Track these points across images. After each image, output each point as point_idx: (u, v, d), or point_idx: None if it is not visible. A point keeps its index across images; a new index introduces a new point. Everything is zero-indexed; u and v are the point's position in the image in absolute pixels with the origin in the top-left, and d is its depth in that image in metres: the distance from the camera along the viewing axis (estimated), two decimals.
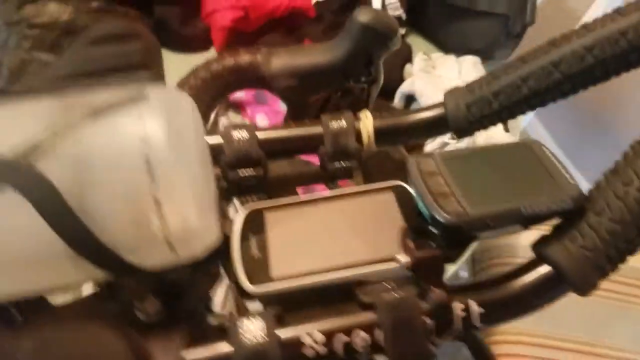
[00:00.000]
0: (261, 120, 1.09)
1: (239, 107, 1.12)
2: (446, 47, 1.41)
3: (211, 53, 1.25)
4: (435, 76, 1.21)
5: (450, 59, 1.27)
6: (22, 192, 0.26)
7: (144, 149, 0.27)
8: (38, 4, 1.00)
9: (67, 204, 0.26)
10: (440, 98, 1.11)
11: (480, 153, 0.37)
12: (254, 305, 0.44)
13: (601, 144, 1.78)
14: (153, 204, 0.28)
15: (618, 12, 0.39)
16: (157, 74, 0.41)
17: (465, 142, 1.01)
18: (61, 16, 1.01)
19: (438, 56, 1.28)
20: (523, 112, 0.45)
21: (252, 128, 0.47)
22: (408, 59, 1.26)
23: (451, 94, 0.47)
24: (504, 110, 0.44)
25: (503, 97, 0.44)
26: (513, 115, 0.45)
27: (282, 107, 1.10)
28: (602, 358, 1.01)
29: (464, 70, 1.23)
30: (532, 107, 0.44)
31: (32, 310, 0.33)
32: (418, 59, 1.24)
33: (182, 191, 0.28)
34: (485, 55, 1.35)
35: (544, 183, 0.34)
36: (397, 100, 1.21)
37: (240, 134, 0.46)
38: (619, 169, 0.33)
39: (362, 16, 0.54)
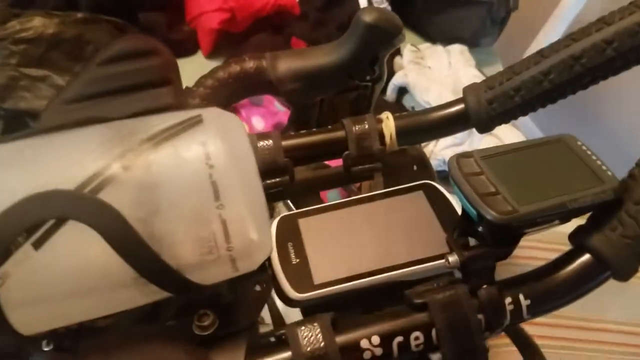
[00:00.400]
0: (257, 122, 1.08)
1: (233, 110, 1.12)
2: (432, 37, 1.42)
3: (199, 56, 1.24)
4: (426, 67, 1.22)
5: (439, 49, 1.28)
6: (89, 224, 0.26)
7: (209, 172, 0.27)
8: (22, 18, 0.98)
9: (136, 231, 0.26)
10: (432, 89, 1.13)
11: (517, 150, 0.37)
12: (290, 313, 0.44)
13: (585, 130, 1.81)
14: (220, 223, 0.28)
15: (635, 4, 0.40)
16: (177, 89, 0.41)
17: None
18: (47, 30, 1.00)
19: (426, 47, 1.30)
20: (543, 105, 0.46)
21: (277, 136, 0.47)
22: (397, 51, 1.27)
23: (471, 90, 0.48)
24: (525, 104, 0.45)
25: (524, 91, 0.45)
26: (534, 108, 0.46)
27: (278, 107, 1.10)
28: (598, 332, 1.04)
29: (453, 59, 1.24)
30: (553, 101, 0.45)
31: (75, 334, 0.33)
32: (407, 50, 1.25)
33: (245, 208, 0.29)
34: (471, 42, 1.37)
35: (584, 176, 0.35)
36: (390, 93, 1.22)
37: (265, 143, 0.47)
38: None
39: (367, 16, 0.55)
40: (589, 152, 0.37)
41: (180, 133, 0.29)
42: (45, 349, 0.32)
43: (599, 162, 0.36)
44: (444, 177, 0.44)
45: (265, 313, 0.51)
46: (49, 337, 0.32)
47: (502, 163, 0.36)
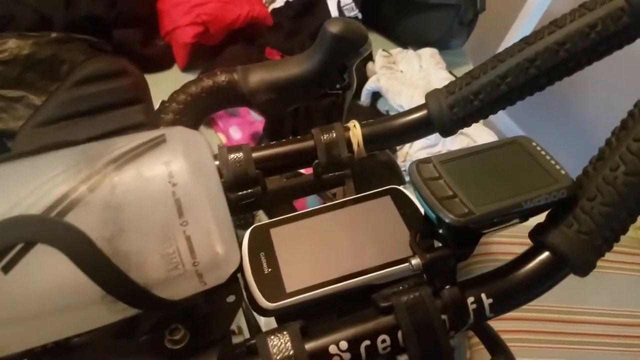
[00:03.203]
0: (235, 132, 1.09)
1: (209, 121, 1.13)
2: (403, 41, 1.45)
3: (175, 70, 1.25)
4: (397, 71, 1.24)
5: (410, 53, 1.30)
6: (56, 246, 0.27)
7: (172, 190, 0.29)
8: None
9: (101, 251, 0.27)
10: (404, 92, 1.15)
11: (475, 154, 0.38)
12: (268, 321, 0.45)
13: (558, 120, 1.85)
14: (184, 239, 0.29)
15: (585, 7, 0.42)
16: (147, 107, 0.42)
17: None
18: (21, 51, 1.01)
19: (397, 51, 1.32)
20: (503, 107, 0.47)
21: (247, 149, 0.48)
22: (369, 57, 1.29)
23: (432, 96, 0.49)
24: (485, 107, 0.47)
25: (483, 95, 0.46)
26: (494, 111, 0.47)
27: (254, 116, 1.11)
28: (580, 324, 1.05)
29: (424, 62, 1.26)
30: (511, 102, 0.46)
31: (52, 352, 0.33)
32: (379, 56, 1.27)
33: (209, 223, 0.30)
34: (441, 45, 1.40)
35: (538, 176, 0.36)
36: (364, 98, 1.24)
37: (236, 156, 0.48)
38: (604, 155, 0.35)
39: (333, 27, 0.56)
40: (543, 153, 0.38)
41: (143, 153, 0.30)
42: None
43: (553, 162, 0.37)
44: None
45: (243, 323, 0.52)
46: (26, 357, 0.33)
47: (460, 167, 0.37)
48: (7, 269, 0.27)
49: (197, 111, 0.62)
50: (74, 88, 0.43)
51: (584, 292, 1.08)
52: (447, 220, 0.34)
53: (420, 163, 0.38)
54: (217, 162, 0.47)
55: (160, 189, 0.29)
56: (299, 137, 0.51)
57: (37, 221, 0.27)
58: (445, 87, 0.49)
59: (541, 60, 0.44)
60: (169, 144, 0.30)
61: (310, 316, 0.38)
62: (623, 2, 0.41)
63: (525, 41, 0.45)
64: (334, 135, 0.50)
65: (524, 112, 2.00)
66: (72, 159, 0.30)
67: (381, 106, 1.23)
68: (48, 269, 0.27)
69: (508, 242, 1.09)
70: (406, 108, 1.11)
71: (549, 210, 0.37)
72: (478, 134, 1.06)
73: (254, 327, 0.51)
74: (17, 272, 0.27)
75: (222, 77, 0.61)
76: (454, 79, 1.22)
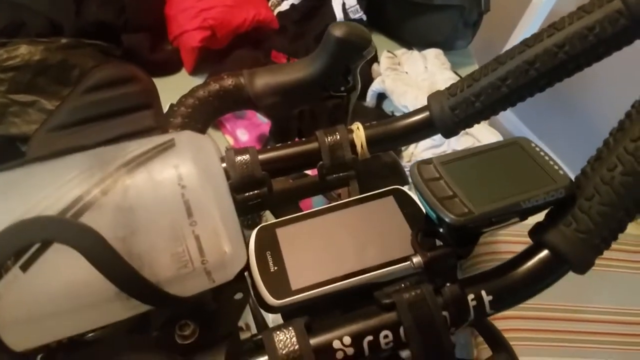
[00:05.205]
0: (242, 134, 1.11)
1: (217, 124, 1.14)
2: (408, 42, 1.46)
3: (182, 73, 1.27)
4: (402, 72, 1.24)
5: (414, 54, 1.31)
6: (72, 245, 0.28)
7: (181, 192, 0.30)
8: (9, 47, 1.01)
9: (115, 250, 0.29)
10: (408, 93, 1.16)
11: (475, 155, 0.39)
12: (275, 318, 0.46)
13: (561, 113, 1.85)
14: (193, 239, 0.30)
15: (583, 9, 0.43)
16: (157, 112, 0.43)
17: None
18: (33, 57, 1.03)
19: (402, 52, 1.32)
20: (504, 108, 0.48)
21: (253, 151, 0.49)
22: (374, 58, 1.30)
23: (434, 98, 0.50)
24: (486, 108, 0.47)
25: (484, 97, 0.47)
26: (495, 112, 0.48)
27: (261, 119, 1.13)
28: (588, 323, 1.05)
29: (429, 63, 1.27)
30: (512, 104, 0.47)
31: (65, 347, 0.35)
32: (384, 57, 1.28)
33: (216, 223, 0.31)
34: (446, 46, 1.40)
35: (537, 176, 0.37)
36: (369, 99, 1.25)
37: (243, 158, 0.49)
38: (602, 156, 0.36)
39: (336, 31, 0.57)
40: (542, 153, 0.39)
41: (154, 157, 0.31)
42: None
43: (551, 162, 0.38)
44: None
45: (251, 320, 0.53)
46: (42, 352, 0.34)
47: (460, 167, 0.38)
48: (25, 267, 0.28)
49: (205, 114, 0.63)
50: (86, 94, 0.44)
51: (588, 291, 1.08)
52: (447, 220, 0.35)
53: (421, 164, 0.39)
54: (224, 165, 0.48)
55: (170, 191, 0.30)
56: (303, 139, 0.52)
57: (53, 222, 0.28)
58: (447, 89, 0.50)
59: (540, 63, 0.44)
60: (178, 148, 0.32)
61: (315, 313, 0.39)
62: (621, 5, 0.41)
63: (525, 44, 0.45)
64: (338, 137, 0.51)
65: (529, 109, 2.00)
66: (86, 163, 0.31)
67: (386, 107, 1.24)
68: (64, 268, 0.29)
69: (513, 242, 1.10)
70: (411, 109, 1.13)
71: (548, 210, 0.38)
72: (482, 134, 1.07)
73: (261, 323, 0.52)
74: (35, 271, 0.28)
75: (229, 81, 0.62)
76: (459, 79, 1.23)
